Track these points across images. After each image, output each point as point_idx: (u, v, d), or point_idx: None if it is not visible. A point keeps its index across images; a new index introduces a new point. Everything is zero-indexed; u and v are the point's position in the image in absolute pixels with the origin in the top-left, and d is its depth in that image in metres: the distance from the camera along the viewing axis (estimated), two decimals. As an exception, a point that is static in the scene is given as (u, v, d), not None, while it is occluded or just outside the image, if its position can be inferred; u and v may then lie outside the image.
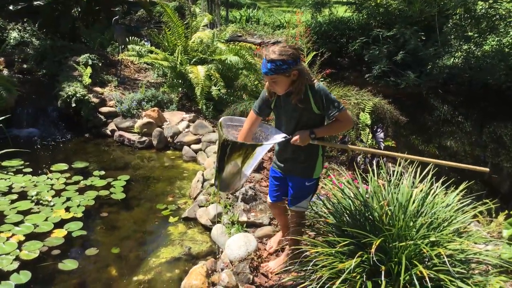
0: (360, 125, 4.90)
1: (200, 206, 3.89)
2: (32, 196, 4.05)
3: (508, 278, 2.79)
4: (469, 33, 10.24)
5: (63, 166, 4.73)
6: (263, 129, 2.72)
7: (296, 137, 2.49)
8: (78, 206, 3.97)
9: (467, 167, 2.66)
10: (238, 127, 2.68)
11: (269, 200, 2.94)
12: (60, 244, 3.42)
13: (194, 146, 5.28)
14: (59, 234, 3.55)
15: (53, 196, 4.10)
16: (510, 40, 9.68)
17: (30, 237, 3.48)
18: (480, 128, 8.45)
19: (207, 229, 3.68)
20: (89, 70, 6.13)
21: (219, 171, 2.48)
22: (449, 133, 8.05)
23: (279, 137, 2.57)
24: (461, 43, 10.12)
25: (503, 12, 10.14)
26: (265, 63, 2.33)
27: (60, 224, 3.68)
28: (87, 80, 5.99)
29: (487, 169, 2.60)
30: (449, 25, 10.62)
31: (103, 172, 4.64)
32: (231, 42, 6.92)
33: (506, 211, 3.80)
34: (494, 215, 3.80)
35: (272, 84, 2.40)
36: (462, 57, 9.84)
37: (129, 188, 4.39)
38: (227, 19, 12.35)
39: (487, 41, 9.95)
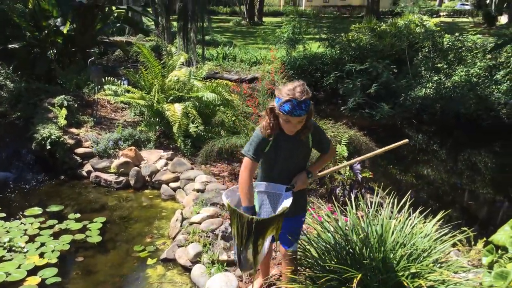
0: (338, 157, 4.95)
1: (179, 246, 3.81)
2: (4, 243, 3.91)
3: (491, 307, 2.79)
4: (439, 65, 10.63)
5: (37, 210, 4.59)
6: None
7: (299, 185, 2.51)
8: (53, 251, 3.84)
9: (390, 147, 2.92)
10: (237, 192, 2.55)
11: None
12: (33, 293, 3.29)
13: (173, 184, 5.23)
14: (33, 282, 3.41)
15: (26, 242, 3.97)
16: (478, 70, 10.06)
17: (1, 286, 3.33)
18: (455, 155, 8.64)
19: (186, 269, 3.59)
20: (64, 111, 6.09)
21: (242, 251, 2.31)
22: (425, 162, 8.20)
23: (282, 189, 2.49)
24: (431, 74, 10.48)
25: (470, 44, 10.60)
26: (298, 105, 2.23)
27: (33, 271, 3.54)
28: (62, 121, 5.94)
29: (406, 140, 2.93)
30: (419, 57, 11.03)
31: (78, 215, 4.52)
32: (208, 80, 6.99)
33: (485, 238, 3.83)
34: (473, 242, 3.83)
35: (296, 124, 2.33)
36: (433, 87, 10.16)
37: (105, 230, 4.28)
38: (204, 57, 12.54)
39: (456, 72, 10.32)
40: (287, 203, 2.39)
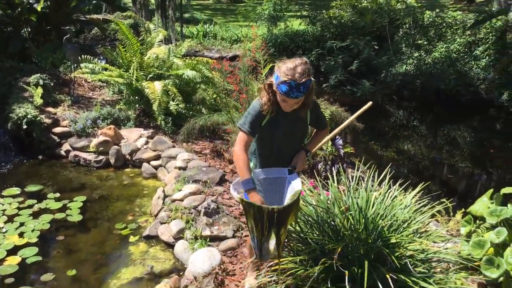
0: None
1: (161, 223, 3.79)
2: (-18, 224, 3.83)
3: (468, 274, 2.86)
4: (419, 41, 10.66)
5: (15, 190, 4.50)
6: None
7: (300, 166, 2.47)
8: (33, 231, 3.78)
9: (359, 112, 2.87)
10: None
11: None
12: (14, 272, 3.23)
13: (154, 163, 5.17)
14: (13, 261, 3.35)
15: (5, 222, 3.89)
16: (458, 47, 10.13)
17: (-20, 267, 3.28)
18: (435, 131, 8.76)
19: (169, 246, 3.58)
20: (40, 90, 5.92)
21: (263, 243, 2.15)
22: (405, 137, 8.30)
23: (285, 171, 2.43)
24: (412, 50, 10.52)
25: (450, 21, 10.64)
26: (297, 87, 2.12)
27: (13, 251, 3.48)
28: (38, 100, 5.78)
29: (370, 102, 2.91)
30: (399, 34, 11.04)
31: (58, 194, 4.45)
32: (189, 57, 6.88)
33: (463, 209, 3.91)
34: (452, 214, 3.91)
35: (293, 105, 2.24)
36: (413, 64, 10.21)
37: (86, 209, 4.22)
38: (183, 35, 12.31)
39: (437, 48, 10.38)
40: (297, 185, 2.31)
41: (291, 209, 2.08)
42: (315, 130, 2.71)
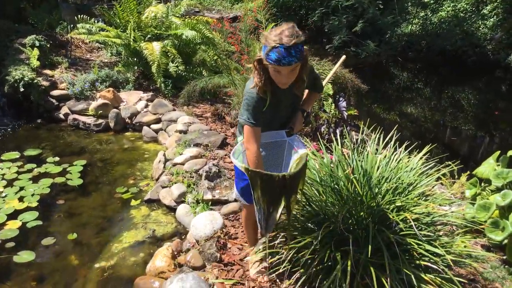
0: (323, 95, 4.84)
1: (163, 187, 3.75)
2: (-18, 188, 3.80)
3: (472, 237, 2.83)
4: (425, 0, 10.33)
5: (15, 154, 4.45)
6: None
7: (297, 127, 2.34)
8: (33, 195, 3.75)
9: (336, 66, 2.84)
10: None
11: (245, 201, 2.43)
12: (14, 236, 3.22)
13: (154, 126, 5.09)
14: (13, 226, 3.34)
15: (4, 187, 3.86)
16: (465, 5, 9.82)
17: (-19, 231, 3.27)
18: (439, 93, 8.62)
19: (171, 210, 3.55)
20: (36, 52, 5.77)
21: (272, 213, 2.03)
22: (409, 100, 8.17)
23: (283, 134, 2.29)
24: (418, 10, 10.20)
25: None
26: (287, 51, 1.90)
27: (13, 216, 3.46)
28: (35, 62, 5.64)
29: (344, 56, 2.87)
30: (406, -8, 10.69)
31: (57, 158, 4.40)
32: (188, 17, 6.66)
33: (468, 172, 3.86)
34: (456, 176, 3.86)
35: (289, 75, 2.01)
36: (419, 24, 9.94)
37: (86, 173, 4.18)
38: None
39: (443, 7, 10.07)
40: (301, 148, 2.19)
41: (300, 174, 1.98)
42: (307, 91, 2.52)
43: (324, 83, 2.68)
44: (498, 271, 2.89)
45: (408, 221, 2.33)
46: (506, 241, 2.98)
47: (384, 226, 2.36)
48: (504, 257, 2.99)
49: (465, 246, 2.60)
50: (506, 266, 3.01)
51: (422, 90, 8.87)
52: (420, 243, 2.27)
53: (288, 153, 2.29)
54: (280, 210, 2.02)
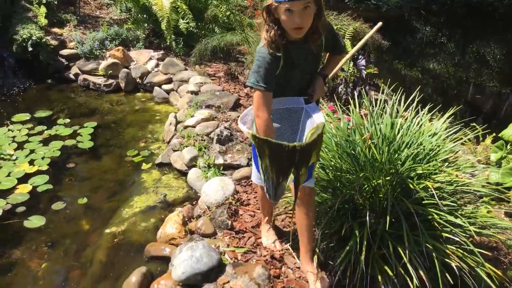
0: (340, 53, 4.59)
1: (174, 151, 3.66)
2: (-8, 151, 3.76)
3: (497, 204, 2.68)
4: None
5: (25, 116, 4.38)
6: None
7: (317, 94, 2.07)
8: (43, 158, 3.70)
9: (368, 35, 2.52)
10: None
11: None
12: (25, 201, 3.18)
13: (166, 87, 4.95)
14: (24, 190, 3.30)
15: (15, 149, 3.81)
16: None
17: (-8, 195, 3.25)
18: (463, 48, 8.21)
19: (182, 174, 3.47)
20: (43, 9, 5.58)
21: (281, 183, 1.81)
22: (432, 55, 7.79)
23: (300, 101, 2.04)
24: (444, -42, 9.59)
25: None
26: None
27: (24, 179, 3.42)
28: (42, 20, 5.47)
29: (380, 23, 2.53)
30: None
31: (68, 120, 4.33)
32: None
33: (494, 134, 3.65)
34: (481, 139, 3.65)
35: (303, 15, 1.74)
36: (445, -27, 9.36)
37: (97, 135, 4.11)
38: None
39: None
40: (318, 117, 1.94)
41: (314, 146, 1.73)
42: (328, 54, 2.28)
43: (353, 51, 2.47)
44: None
45: (429, 190, 2.18)
46: (532, 208, 2.83)
47: (403, 195, 2.22)
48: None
49: (488, 212, 2.47)
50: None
51: (446, 45, 8.45)
52: (441, 213, 2.14)
53: (304, 123, 2.08)
54: (288, 181, 1.86)
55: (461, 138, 2.64)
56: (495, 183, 3.13)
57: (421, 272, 2.02)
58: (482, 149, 3.76)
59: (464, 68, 7.21)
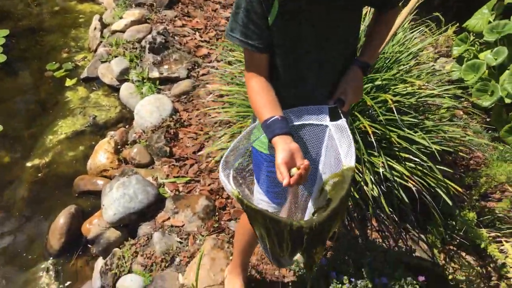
0: None
1: (102, 62, 3.15)
2: None
3: (458, 103, 2.46)
4: None
5: None
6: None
7: (351, 98, 1.19)
8: None
9: None
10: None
11: (267, 202, 1.33)
12: None
13: (89, -21, 4.21)
14: None
15: None
16: None
17: None
18: None
19: (114, 89, 3.03)
20: None
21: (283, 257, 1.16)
22: None
23: (324, 111, 1.16)
24: None
25: None
26: None
27: None
28: None
29: None
30: None
31: (-28, 28, 3.65)
32: None
33: (457, 24, 3.32)
34: (443, 28, 3.29)
35: None
36: None
37: (10, 46, 3.48)
38: None
39: None
40: (347, 154, 1.05)
41: (334, 219, 1.01)
42: (372, 16, 1.31)
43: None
44: (480, 138, 2.61)
45: (387, 104, 1.91)
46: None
47: (358, 112, 1.94)
48: (488, 119, 2.72)
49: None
50: (490, 132, 2.75)
51: None
52: (401, 132, 1.90)
53: (328, 149, 1.18)
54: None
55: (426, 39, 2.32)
56: (455, 77, 2.93)
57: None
58: (443, 39, 3.46)
59: None
